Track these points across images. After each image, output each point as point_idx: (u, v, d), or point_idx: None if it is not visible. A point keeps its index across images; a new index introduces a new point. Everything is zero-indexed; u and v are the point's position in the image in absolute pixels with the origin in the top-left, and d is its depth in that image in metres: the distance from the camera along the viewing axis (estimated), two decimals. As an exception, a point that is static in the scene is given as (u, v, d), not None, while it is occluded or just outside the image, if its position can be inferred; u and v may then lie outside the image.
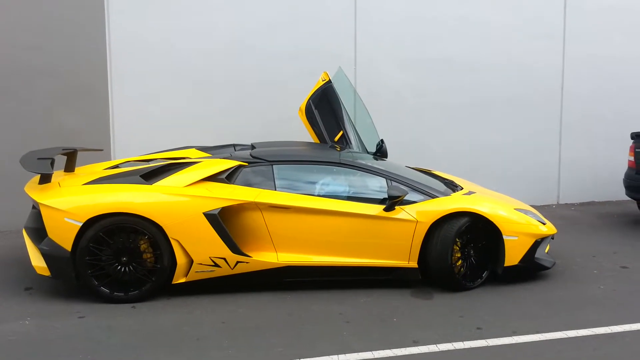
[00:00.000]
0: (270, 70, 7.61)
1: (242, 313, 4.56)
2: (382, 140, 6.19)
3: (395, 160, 6.05)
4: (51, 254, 4.61)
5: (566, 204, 8.78)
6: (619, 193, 8.21)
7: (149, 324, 4.33)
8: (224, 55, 7.46)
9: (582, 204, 8.77)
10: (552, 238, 5.58)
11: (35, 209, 4.94)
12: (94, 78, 7.03)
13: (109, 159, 6.93)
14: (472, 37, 8.23)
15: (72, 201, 4.65)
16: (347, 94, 6.55)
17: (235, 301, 4.77)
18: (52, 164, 4.97)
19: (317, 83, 6.47)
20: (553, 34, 8.51)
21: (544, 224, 5.37)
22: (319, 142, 6.39)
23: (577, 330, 4.30)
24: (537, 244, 5.22)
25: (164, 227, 4.66)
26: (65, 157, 5.56)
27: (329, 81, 6.34)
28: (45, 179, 4.92)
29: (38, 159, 4.99)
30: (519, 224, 5.15)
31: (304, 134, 6.72)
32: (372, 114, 7.82)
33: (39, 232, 4.81)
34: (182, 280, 4.81)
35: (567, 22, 8.52)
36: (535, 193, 8.39)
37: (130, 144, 7.15)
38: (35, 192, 4.85)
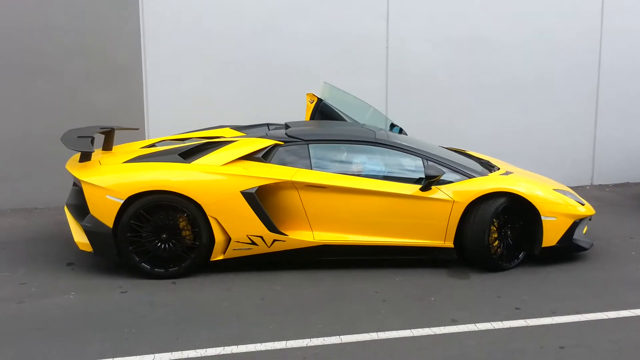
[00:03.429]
0: (300, 50, 7.54)
1: (279, 291, 4.61)
2: (392, 124, 6.18)
3: (426, 140, 6.00)
4: (93, 230, 4.70)
5: (600, 185, 8.64)
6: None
7: (189, 299, 4.41)
8: (252, 35, 7.42)
9: (616, 185, 8.61)
10: (590, 219, 5.51)
11: (77, 186, 5.03)
12: (128, 58, 7.07)
13: (143, 137, 7.00)
14: (504, 14, 8.04)
15: (114, 179, 4.72)
16: (343, 102, 6.28)
17: (272, 279, 4.82)
18: (92, 142, 5.04)
19: (308, 107, 6.25)
20: (590, 8, 8.28)
21: (582, 204, 5.30)
22: None
23: (618, 312, 4.26)
24: (575, 225, 5.17)
25: (202, 205, 4.71)
26: (102, 136, 5.64)
27: (319, 100, 6.16)
28: (85, 157, 5.00)
29: (78, 137, 5.06)
30: (557, 205, 5.09)
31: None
32: (403, 93, 7.70)
33: (80, 209, 4.90)
34: (220, 257, 4.88)
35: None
36: (568, 174, 8.26)
37: (162, 123, 7.20)
38: (77, 169, 4.92)
